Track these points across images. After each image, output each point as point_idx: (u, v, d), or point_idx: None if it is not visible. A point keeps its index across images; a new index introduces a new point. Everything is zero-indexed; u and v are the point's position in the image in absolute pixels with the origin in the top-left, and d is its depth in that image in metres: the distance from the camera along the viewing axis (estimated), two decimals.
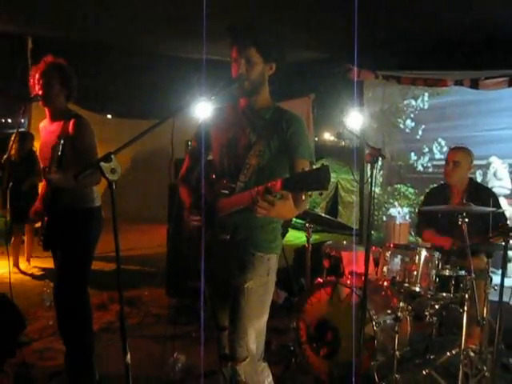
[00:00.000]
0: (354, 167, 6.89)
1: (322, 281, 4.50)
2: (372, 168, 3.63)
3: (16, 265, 8.03)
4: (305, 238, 4.92)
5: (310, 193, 2.45)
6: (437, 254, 4.22)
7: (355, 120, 6.56)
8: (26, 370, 4.28)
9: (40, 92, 3.92)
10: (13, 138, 7.42)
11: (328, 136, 9.98)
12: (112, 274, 7.18)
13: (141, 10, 6.64)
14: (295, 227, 10.34)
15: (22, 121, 9.62)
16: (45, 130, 4.13)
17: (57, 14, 6.96)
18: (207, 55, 8.89)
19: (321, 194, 2.94)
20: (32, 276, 7.83)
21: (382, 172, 8.65)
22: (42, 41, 8.19)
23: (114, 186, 2.21)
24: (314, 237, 9.20)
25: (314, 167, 2.35)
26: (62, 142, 3.82)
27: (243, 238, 2.98)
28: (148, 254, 9.17)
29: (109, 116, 10.91)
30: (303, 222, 4.90)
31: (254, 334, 2.97)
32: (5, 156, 7.37)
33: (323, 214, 6.19)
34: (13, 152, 7.51)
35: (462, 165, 4.71)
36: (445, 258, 4.28)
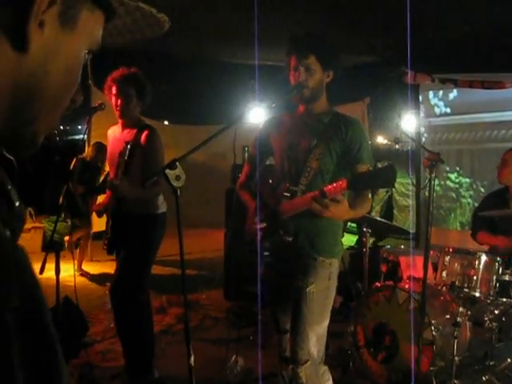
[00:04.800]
0: (410, 171, 6.80)
1: (380, 285, 4.49)
2: (431, 173, 3.62)
3: (80, 268, 8.20)
4: (355, 241, 4.93)
5: (370, 196, 2.52)
6: (497, 259, 4.17)
7: (411, 124, 6.51)
8: (90, 371, 4.39)
9: (118, 102, 3.95)
10: (92, 147, 7.69)
11: (381, 139, 9.84)
12: (170, 277, 7.28)
13: (194, 18, 6.72)
14: (350, 231, 10.30)
15: (84, 127, 9.83)
16: (114, 137, 4.18)
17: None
18: (261, 61, 8.94)
19: (387, 192, 2.99)
20: (89, 279, 7.99)
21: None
22: (101, 50, 8.35)
23: (179, 193, 2.27)
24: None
25: (380, 166, 2.41)
26: (129, 147, 3.88)
27: (305, 242, 3.03)
28: (205, 257, 9.25)
29: (166, 122, 11.05)
30: (357, 225, 4.91)
31: (315, 337, 3.01)
32: (80, 156, 7.59)
33: (378, 218, 6.15)
34: (87, 155, 7.75)
35: (508, 164, 4.68)
36: (505, 262, 4.23)
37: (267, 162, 3.39)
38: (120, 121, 4.12)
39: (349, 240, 9.97)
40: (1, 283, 0.56)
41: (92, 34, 0.77)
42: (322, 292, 3.02)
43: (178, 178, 2.23)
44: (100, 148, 7.89)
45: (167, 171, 2.21)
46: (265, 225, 3.05)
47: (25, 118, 0.72)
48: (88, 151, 7.85)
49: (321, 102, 3.09)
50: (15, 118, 0.70)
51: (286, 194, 2.99)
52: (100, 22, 0.78)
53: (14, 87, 0.67)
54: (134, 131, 3.99)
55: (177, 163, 2.23)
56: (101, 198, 6.66)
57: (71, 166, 8.14)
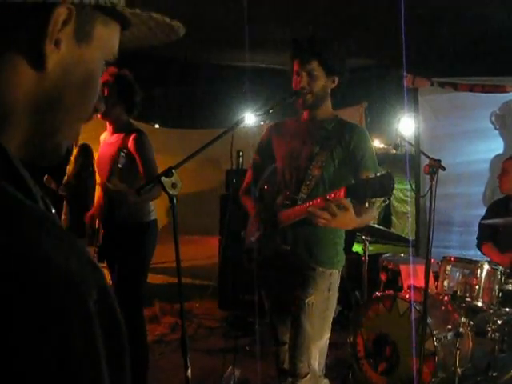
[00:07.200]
0: (407, 176, 6.72)
1: (379, 294, 4.40)
2: (431, 180, 3.54)
3: None
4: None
5: (373, 200, 2.49)
6: (500, 268, 4.10)
7: (409, 128, 6.45)
8: None
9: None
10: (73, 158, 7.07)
11: (378, 143, 9.77)
12: (162, 285, 7.17)
13: (187, 20, 6.63)
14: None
15: None
16: (104, 142, 4.06)
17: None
18: (254, 63, 8.88)
19: (385, 202, 2.92)
20: None
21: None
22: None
23: (175, 201, 2.21)
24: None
25: (378, 174, 2.37)
26: (122, 154, 3.77)
27: (304, 252, 2.96)
28: (199, 265, 9.13)
29: (156, 126, 10.93)
30: (359, 233, 4.82)
31: (316, 349, 2.95)
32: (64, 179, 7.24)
33: (377, 225, 6.07)
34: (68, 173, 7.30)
35: (509, 173, 4.65)
36: (508, 271, 4.17)
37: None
38: (107, 125, 3.99)
39: None
40: (82, 277, 0.61)
41: (108, 44, 0.81)
42: (322, 303, 2.97)
43: (174, 185, 2.18)
44: (84, 153, 7.35)
45: (163, 179, 2.16)
46: (263, 233, 2.99)
47: (46, 130, 0.77)
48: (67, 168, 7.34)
49: (325, 108, 3.04)
50: (37, 131, 0.75)
51: (286, 202, 2.94)
52: (115, 32, 0.82)
53: (34, 103, 0.72)
54: (122, 136, 3.86)
55: (173, 171, 2.18)
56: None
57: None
